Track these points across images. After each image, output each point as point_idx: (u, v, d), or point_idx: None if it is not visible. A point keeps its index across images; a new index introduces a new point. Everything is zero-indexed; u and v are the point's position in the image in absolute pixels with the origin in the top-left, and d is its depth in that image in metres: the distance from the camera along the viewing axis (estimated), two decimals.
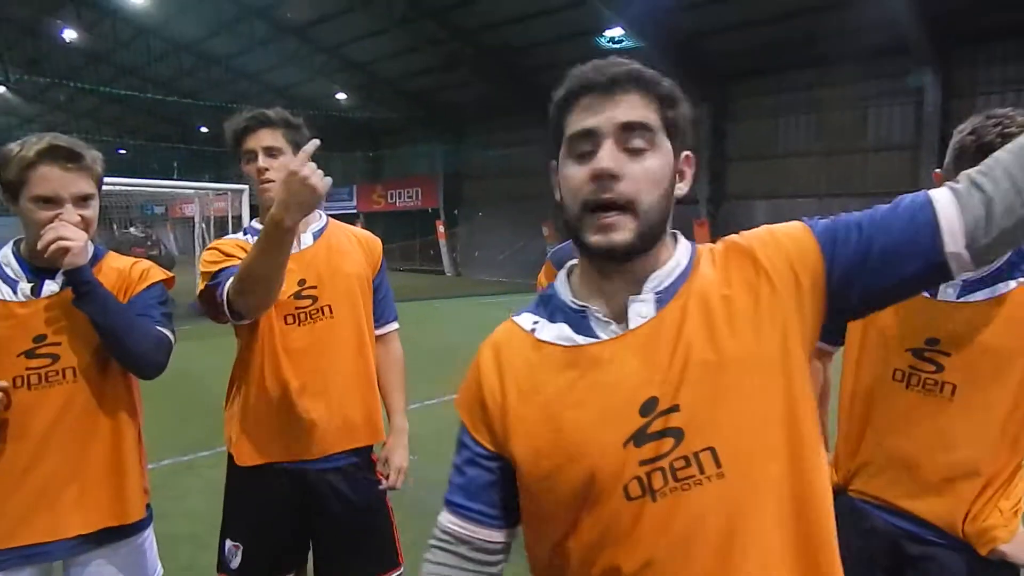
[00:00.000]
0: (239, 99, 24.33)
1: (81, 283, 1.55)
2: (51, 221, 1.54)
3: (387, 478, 2.01)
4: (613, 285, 0.95)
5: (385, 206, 26.67)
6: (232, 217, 13.02)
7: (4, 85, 25.12)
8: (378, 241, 2.10)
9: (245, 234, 1.96)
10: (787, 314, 0.91)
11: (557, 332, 0.96)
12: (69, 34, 23.28)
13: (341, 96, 24.16)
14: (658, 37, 15.69)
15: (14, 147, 1.56)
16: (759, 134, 16.54)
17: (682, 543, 0.85)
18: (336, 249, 1.95)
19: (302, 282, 1.87)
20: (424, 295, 17.14)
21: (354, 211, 26.95)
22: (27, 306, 1.60)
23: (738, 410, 0.87)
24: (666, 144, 0.92)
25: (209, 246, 1.94)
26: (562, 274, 1.04)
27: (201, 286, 1.81)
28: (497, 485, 0.99)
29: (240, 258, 1.74)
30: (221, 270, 1.78)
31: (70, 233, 1.52)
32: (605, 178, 0.88)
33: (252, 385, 1.87)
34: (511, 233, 22.08)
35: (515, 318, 1.03)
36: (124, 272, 1.73)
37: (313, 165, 1.45)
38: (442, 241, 24.94)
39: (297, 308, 1.86)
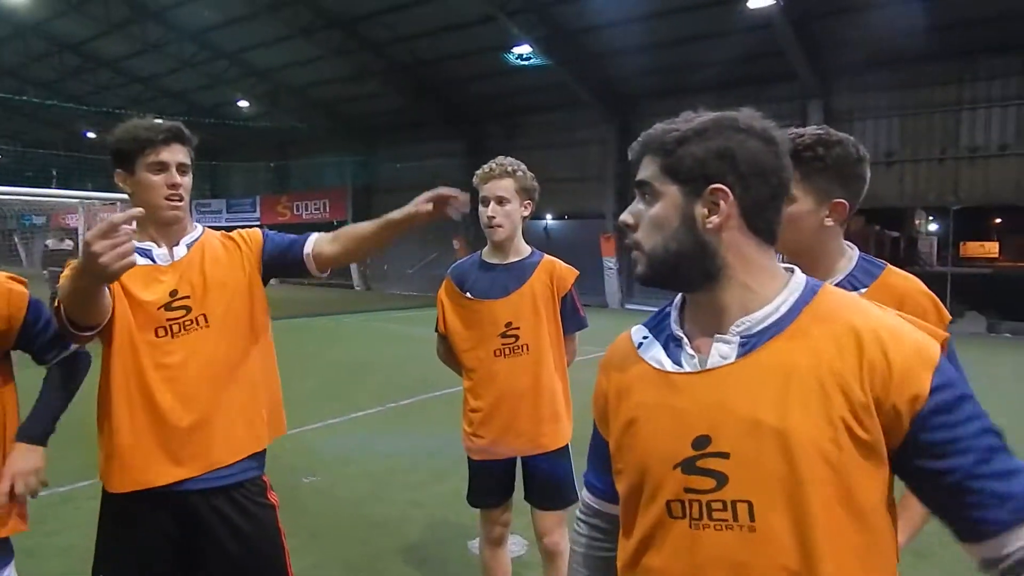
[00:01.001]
0: (130, 104, 23.05)
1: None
2: None
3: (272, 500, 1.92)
4: (699, 318, 1.03)
5: (291, 218, 25.87)
6: None
7: None
8: (255, 232, 2.03)
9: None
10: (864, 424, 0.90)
11: (654, 353, 1.06)
12: None
13: (243, 104, 23.30)
14: (565, 56, 16.08)
15: None
16: None
17: (699, 572, 0.94)
18: (211, 258, 1.90)
19: (174, 293, 1.81)
20: (332, 310, 16.71)
21: (257, 222, 25.99)
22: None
23: (782, 479, 0.90)
24: (670, 189, 1.00)
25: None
26: (679, 298, 1.09)
27: (56, 303, 1.73)
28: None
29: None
30: None
31: None
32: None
33: (119, 405, 1.76)
34: (421, 247, 21.92)
35: (633, 329, 1.14)
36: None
37: (107, 243, 1.39)
38: None
39: (169, 320, 1.80)
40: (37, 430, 1.77)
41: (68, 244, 13.34)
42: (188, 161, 1.85)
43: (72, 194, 14.33)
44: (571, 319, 2.61)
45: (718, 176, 0.96)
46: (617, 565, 1.08)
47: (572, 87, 16.90)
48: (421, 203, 1.79)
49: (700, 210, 0.97)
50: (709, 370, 0.97)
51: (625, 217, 1.04)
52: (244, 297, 1.90)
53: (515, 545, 3.67)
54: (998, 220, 37.22)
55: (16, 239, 18.31)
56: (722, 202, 0.96)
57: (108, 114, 22.85)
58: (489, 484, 2.61)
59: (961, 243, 34.60)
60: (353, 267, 24.41)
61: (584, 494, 1.24)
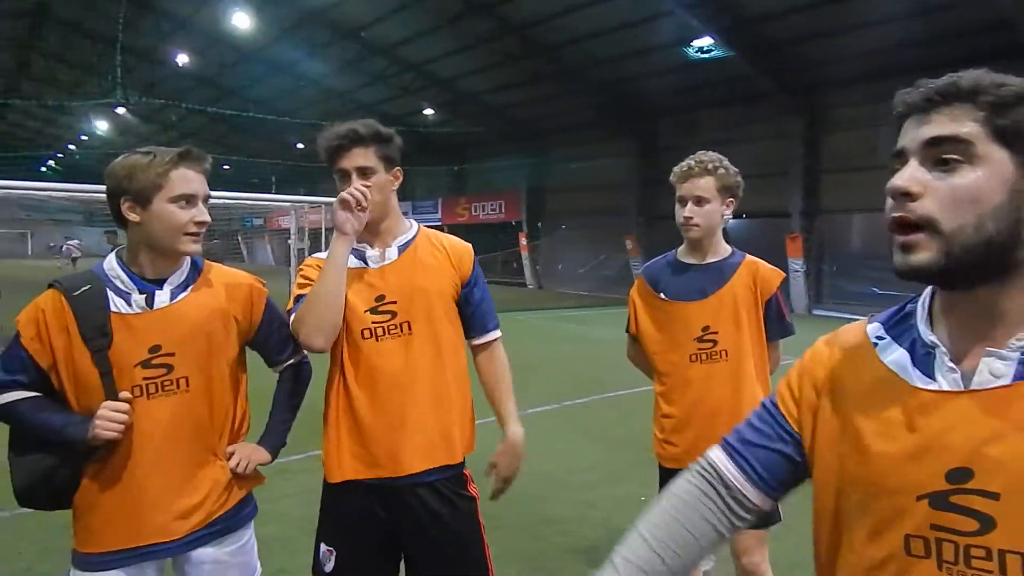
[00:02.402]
0: (330, 116, 25.33)
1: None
2: (191, 219, 1.69)
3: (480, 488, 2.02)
4: (964, 324, 0.85)
5: (469, 219, 27.08)
6: (325, 230, 13.54)
7: (124, 107, 27.16)
8: (468, 249, 2.06)
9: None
10: None
11: (898, 357, 0.90)
12: (182, 58, 24.99)
13: (428, 112, 24.79)
14: (747, 46, 15.27)
15: (138, 157, 1.68)
16: (855, 145, 15.78)
17: None
18: (420, 263, 1.97)
19: (380, 298, 1.90)
20: (506, 307, 17.24)
21: (439, 223, 27.52)
22: (142, 318, 1.69)
23: None
24: (1000, 155, 0.79)
25: (305, 261, 2.01)
26: (926, 295, 0.92)
27: (288, 306, 1.94)
28: (775, 453, 1.01)
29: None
30: (299, 297, 1.90)
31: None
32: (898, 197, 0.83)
33: (332, 401, 1.93)
34: (593, 247, 21.94)
35: (869, 323, 0.98)
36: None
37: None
38: (524, 254, 25.09)
39: (374, 323, 1.89)
40: (270, 444, 1.94)
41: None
42: (370, 163, 1.88)
43: (285, 198, 16.20)
44: (776, 325, 2.40)
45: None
46: None
47: (751, 79, 16.03)
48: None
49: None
50: (974, 391, 0.81)
51: (906, 183, 0.81)
52: (447, 307, 1.98)
53: (704, 562, 3.57)
54: None
55: (240, 238, 21.03)
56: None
57: (313, 126, 25.46)
58: None
59: None
60: (527, 266, 25.05)
61: (717, 455, 1.05)
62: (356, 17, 19.63)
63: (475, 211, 27.13)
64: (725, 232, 2.47)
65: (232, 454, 1.83)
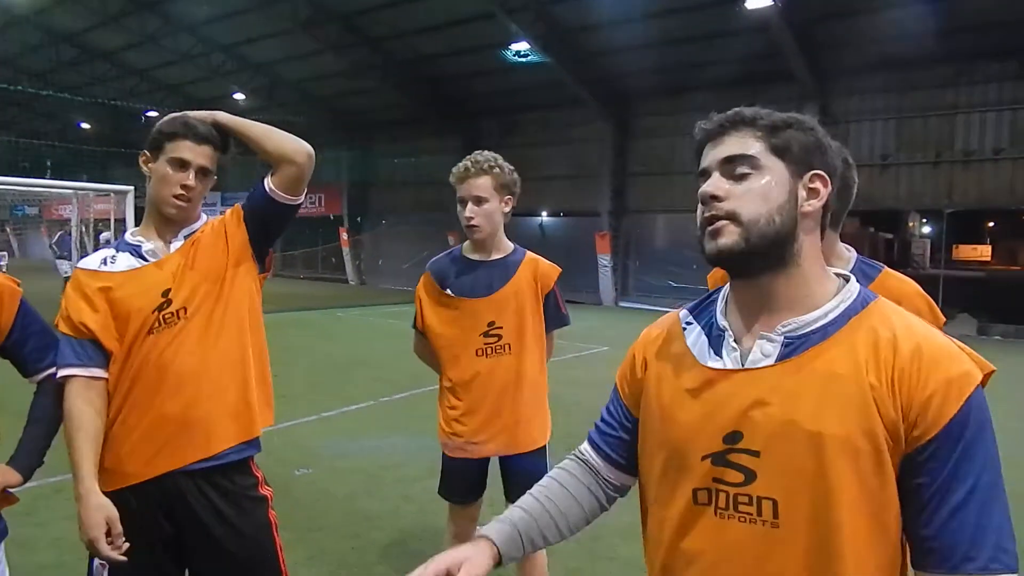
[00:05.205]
0: (126, 96, 22.92)
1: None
2: None
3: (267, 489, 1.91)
4: (747, 310, 1.03)
5: None
6: (115, 220, 12.20)
7: None
8: (236, 205, 1.97)
9: (117, 250, 1.84)
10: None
11: (696, 339, 1.07)
12: None
13: (239, 96, 23.21)
14: (563, 54, 16.07)
15: None
16: (658, 151, 17.22)
17: (721, 561, 0.98)
18: (199, 247, 1.86)
19: (166, 292, 1.78)
20: (325, 304, 16.68)
21: None
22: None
23: (810, 483, 0.91)
24: (778, 165, 1.00)
25: (72, 279, 1.82)
26: (727, 287, 1.08)
27: (58, 329, 1.76)
28: (623, 438, 1.17)
29: (85, 323, 1.72)
30: (66, 338, 1.74)
31: None
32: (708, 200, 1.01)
33: (110, 407, 1.76)
34: (416, 242, 21.88)
35: (682, 309, 1.15)
36: None
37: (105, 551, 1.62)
38: (345, 249, 24.39)
39: (157, 315, 1.77)
40: (23, 464, 1.71)
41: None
42: (211, 166, 1.82)
43: (66, 184, 14.28)
44: (553, 317, 2.55)
45: (817, 165, 1.00)
46: (646, 537, 1.12)
47: (569, 85, 16.89)
48: None
49: (801, 192, 1.00)
50: (748, 368, 0.98)
51: (713, 188, 1.00)
52: (226, 281, 1.85)
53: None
54: (991, 224, 37.42)
55: (8, 230, 18.24)
56: (821, 189, 1.00)
57: (103, 106, 22.78)
58: (464, 481, 2.58)
59: (954, 246, 34.71)
60: (347, 262, 24.37)
61: (584, 445, 1.23)
62: None
63: None
64: (542, 228, 2.58)
65: None
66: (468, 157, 2.40)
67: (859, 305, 0.98)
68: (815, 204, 1.00)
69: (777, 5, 12.53)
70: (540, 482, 1.22)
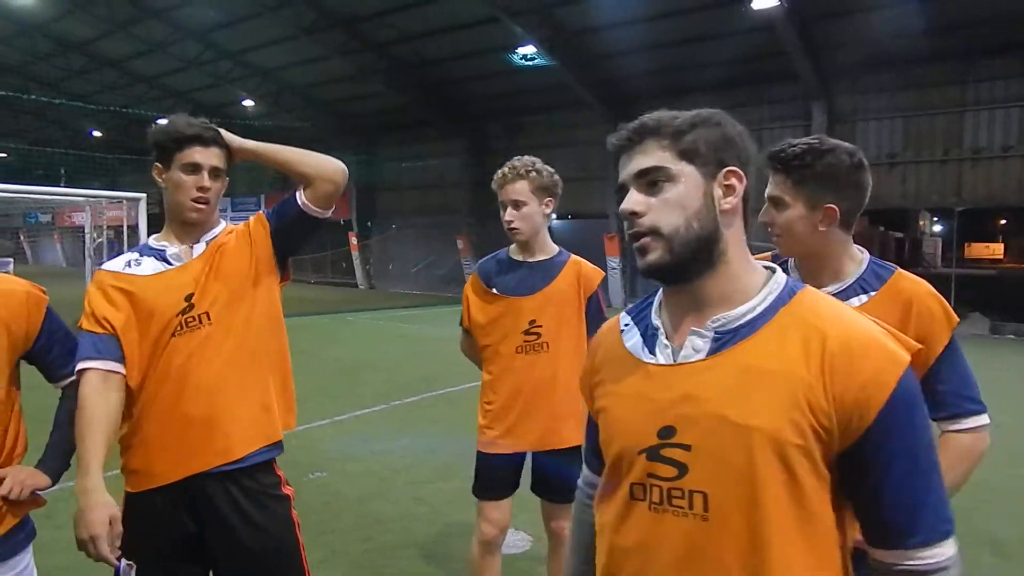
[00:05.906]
0: (135, 103, 23.11)
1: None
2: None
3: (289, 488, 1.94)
4: (680, 309, 1.04)
5: None
6: (128, 227, 12.29)
7: None
8: (260, 213, 2.02)
9: (141, 255, 1.88)
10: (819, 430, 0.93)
11: (632, 339, 1.09)
12: None
13: (248, 103, 23.37)
14: (567, 57, 16.09)
15: None
16: None
17: (656, 554, 0.99)
18: (223, 252, 1.89)
19: (189, 296, 1.81)
20: (336, 308, 16.75)
21: None
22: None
23: (740, 475, 0.93)
24: (688, 170, 1.00)
25: (94, 279, 1.86)
26: (664, 288, 1.09)
27: (79, 325, 1.79)
28: (595, 440, 1.17)
29: (108, 319, 1.75)
30: (87, 334, 1.76)
31: None
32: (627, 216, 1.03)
33: (136, 409, 1.80)
34: (424, 246, 21.95)
35: (623, 312, 1.16)
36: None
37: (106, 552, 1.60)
38: (355, 253, 24.48)
39: (181, 320, 1.81)
40: (51, 467, 1.76)
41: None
42: (223, 165, 1.86)
43: (79, 192, 14.40)
44: (595, 320, 2.59)
45: (730, 161, 1.01)
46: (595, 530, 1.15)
47: (574, 88, 16.92)
48: None
49: (717, 191, 1.00)
50: (680, 364, 1.00)
51: (631, 205, 1.01)
52: (249, 288, 1.89)
53: (521, 541, 3.70)
54: (1003, 221, 37.16)
55: (22, 237, 18.42)
56: (737, 184, 1.01)
57: (113, 113, 22.98)
58: (496, 477, 2.62)
59: (966, 244, 34.52)
60: (357, 266, 24.46)
61: (584, 469, 1.28)
62: None
63: None
64: (551, 231, 2.64)
65: (2, 480, 1.65)
66: (508, 163, 2.49)
67: (786, 296, 0.99)
68: (732, 201, 1.01)
69: (782, 4, 12.52)
70: (578, 539, 1.25)
